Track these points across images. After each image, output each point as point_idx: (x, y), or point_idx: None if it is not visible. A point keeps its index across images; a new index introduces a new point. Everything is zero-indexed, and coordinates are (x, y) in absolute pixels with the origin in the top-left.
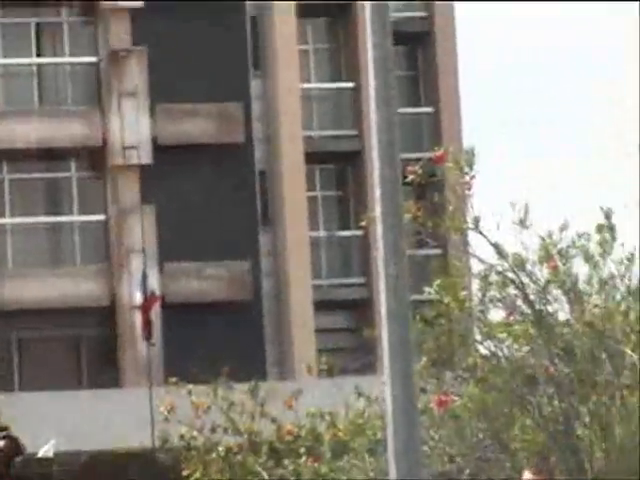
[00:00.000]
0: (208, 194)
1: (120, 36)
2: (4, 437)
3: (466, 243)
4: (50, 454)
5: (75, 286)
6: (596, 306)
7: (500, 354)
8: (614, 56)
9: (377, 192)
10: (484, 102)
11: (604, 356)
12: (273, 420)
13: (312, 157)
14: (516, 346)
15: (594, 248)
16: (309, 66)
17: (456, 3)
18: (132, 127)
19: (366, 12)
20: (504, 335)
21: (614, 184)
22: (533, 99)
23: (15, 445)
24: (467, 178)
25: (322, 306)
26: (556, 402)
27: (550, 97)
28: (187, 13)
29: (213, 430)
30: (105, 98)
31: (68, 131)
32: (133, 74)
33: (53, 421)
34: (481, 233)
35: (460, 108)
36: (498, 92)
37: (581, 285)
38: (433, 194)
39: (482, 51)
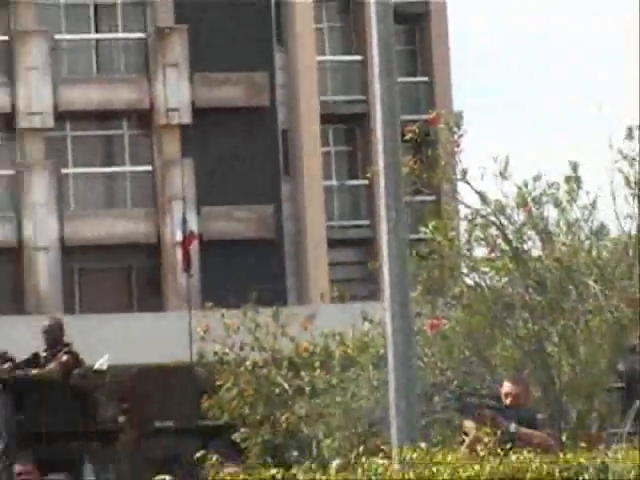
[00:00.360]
0: (238, 149)
1: (164, 16)
2: (66, 352)
3: (455, 191)
4: (104, 367)
5: (127, 226)
6: (564, 244)
7: (483, 284)
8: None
9: (380, 148)
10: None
11: (570, 286)
12: (292, 339)
13: (326, 118)
14: (497, 278)
15: (562, 196)
16: (324, 42)
17: None
18: (174, 92)
19: None
20: (486, 269)
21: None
22: (522, 76)
23: (75, 359)
24: (456, 137)
25: (334, 243)
26: (530, 325)
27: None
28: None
29: (242, 348)
30: (152, 68)
31: (121, 96)
32: (175, 48)
33: (107, 339)
34: (468, 183)
35: (450, 79)
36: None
37: (551, 227)
38: (427, 150)
39: (473, 29)
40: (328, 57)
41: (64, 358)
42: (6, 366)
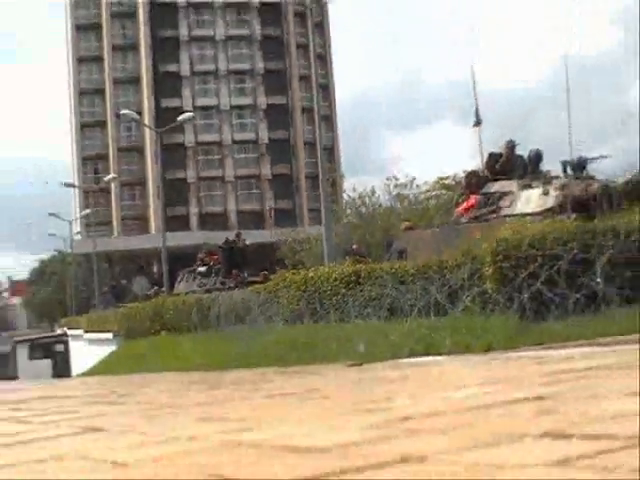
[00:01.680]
0: (282, 186)
1: (262, 136)
2: (244, 240)
3: (342, 195)
4: (248, 242)
5: (252, 206)
6: (374, 210)
7: (352, 220)
8: None
9: (320, 185)
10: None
11: (379, 222)
12: (298, 234)
13: (307, 177)
14: (353, 220)
15: (371, 194)
16: (308, 153)
17: None
18: (266, 168)
19: None
20: (351, 217)
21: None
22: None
23: (243, 242)
24: (343, 179)
25: (310, 211)
26: (361, 231)
27: None
28: None
29: (286, 238)
30: (259, 160)
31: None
32: (261, 147)
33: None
34: (344, 192)
35: (340, 155)
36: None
37: (371, 205)
38: (333, 185)
39: None
40: (307, 160)
41: (247, 242)
42: (225, 241)
